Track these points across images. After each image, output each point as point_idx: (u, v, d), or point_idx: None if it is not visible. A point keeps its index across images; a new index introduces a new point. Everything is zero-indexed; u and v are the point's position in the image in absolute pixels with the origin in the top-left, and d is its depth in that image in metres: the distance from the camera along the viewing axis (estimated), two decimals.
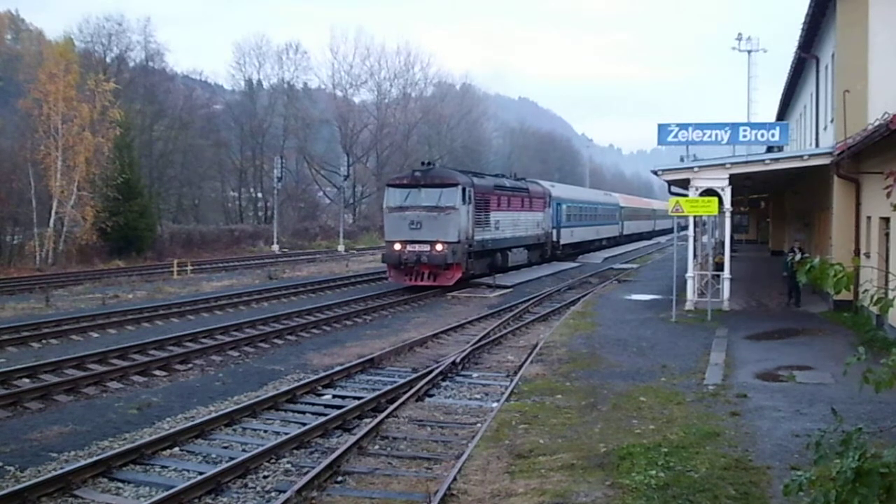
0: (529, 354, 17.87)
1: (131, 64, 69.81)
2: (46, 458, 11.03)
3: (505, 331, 22.12)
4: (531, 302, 28.51)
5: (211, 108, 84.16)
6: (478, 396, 14.92)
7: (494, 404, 13.72)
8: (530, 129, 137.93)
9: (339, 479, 10.24)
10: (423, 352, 19.41)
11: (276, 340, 20.63)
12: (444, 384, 15.75)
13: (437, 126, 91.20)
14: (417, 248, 30.83)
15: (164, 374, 16.66)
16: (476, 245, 32.87)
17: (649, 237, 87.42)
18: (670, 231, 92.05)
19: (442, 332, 21.70)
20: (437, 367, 16.50)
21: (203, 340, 20.14)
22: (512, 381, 15.19)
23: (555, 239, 47.17)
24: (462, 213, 31.28)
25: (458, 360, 17.28)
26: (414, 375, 16.02)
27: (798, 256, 23.46)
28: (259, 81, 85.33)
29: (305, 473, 10.01)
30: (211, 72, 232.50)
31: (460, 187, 31.43)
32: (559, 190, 52.03)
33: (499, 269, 36.70)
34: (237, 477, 10.21)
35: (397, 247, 31.25)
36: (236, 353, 18.93)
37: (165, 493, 9.28)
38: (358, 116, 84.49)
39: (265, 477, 10.37)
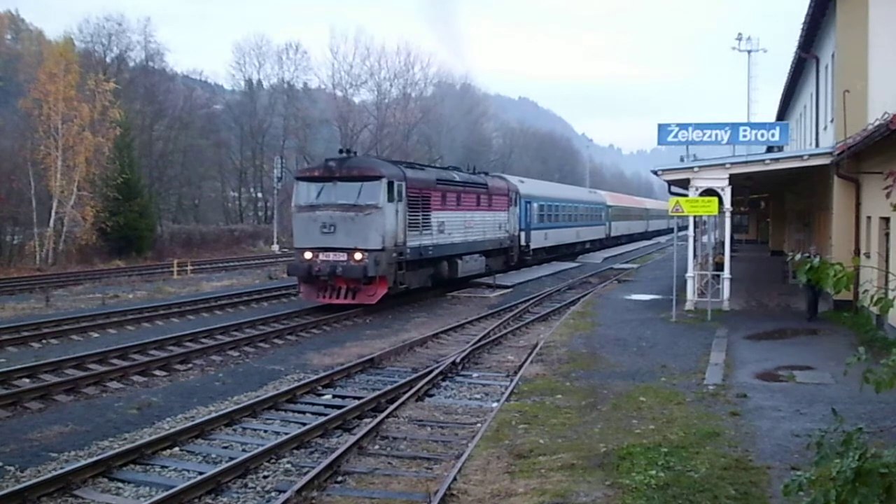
0: (529, 354, 17.87)
1: (131, 64, 69.84)
2: (46, 458, 11.03)
3: (505, 331, 22.11)
4: (531, 302, 28.51)
5: (211, 108, 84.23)
6: (478, 396, 14.92)
7: (494, 404, 13.72)
8: (530, 130, 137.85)
9: (339, 478, 10.24)
10: (423, 352, 19.41)
11: (276, 340, 20.62)
12: (444, 384, 15.75)
13: (437, 126, 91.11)
14: (332, 257, 24.87)
15: (164, 374, 16.66)
16: (410, 253, 26.73)
17: (642, 239, 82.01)
18: (665, 232, 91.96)
19: (442, 332, 21.70)
20: (437, 367, 16.50)
21: (203, 340, 20.14)
22: (512, 381, 15.18)
23: (523, 243, 40.81)
24: (388, 212, 25.22)
25: (458, 360, 17.28)
26: (414, 375, 16.03)
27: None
28: (259, 81, 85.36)
29: (305, 473, 10.01)
30: (211, 72, 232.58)
31: (384, 181, 25.21)
32: (530, 186, 45.36)
33: (445, 280, 31.08)
34: (237, 477, 10.21)
35: (307, 255, 25.22)
36: (236, 353, 18.93)
37: (165, 493, 9.28)
38: (358, 116, 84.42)
39: (265, 477, 10.37)
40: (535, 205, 43.46)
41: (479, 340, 19.99)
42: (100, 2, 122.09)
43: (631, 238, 75.84)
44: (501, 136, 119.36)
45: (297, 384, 15.32)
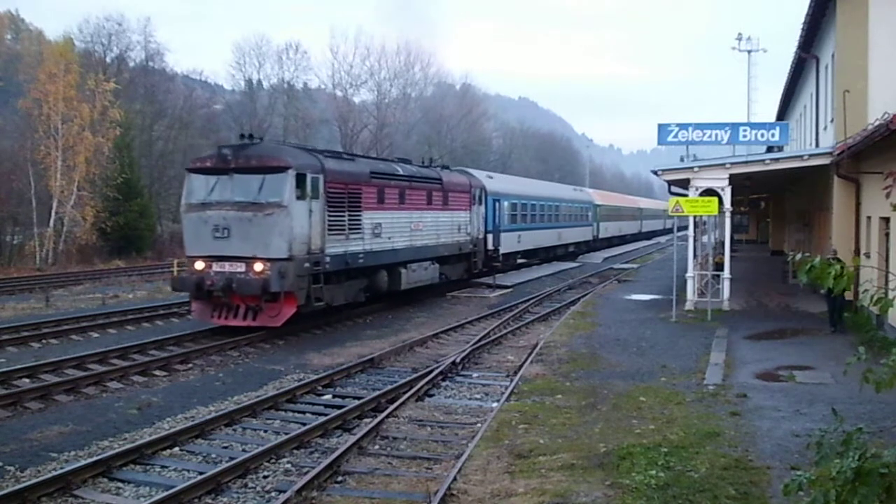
0: (529, 354, 17.87)
1: (131, 64, 69.76)
2: (46, 458, 11.02)
3: (505, 331, 22.12)
4: (531, 302, 28.51)
5: (211, 107, 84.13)
6: (478, 396, 14.93)
7: (494, 404, 13.72)
8: (530, 130, 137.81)
9: (339, 478, 10.24)
10: (423, 351, 19.42)
11: (276, 340, 20.62)
12: (444, 384, 15.75)
13: (437, 126, 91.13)
14: (227, 268, 20.24)
15: (164, 374, 16.66)
16: (331, 262, 21.92)
17: (635, 240, 76.93)
18: (662, 233, 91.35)
19: (442, 332, 21.71)
20: (437, 367, 16.50)
21: (203, 340, 20.14)
22: (512, 381, 15.19)
23: (490, 246, 35.69)
24: (297, 212, 20.44)
25: (458, 360, 17.28)
26: (414, 375, 16.03)
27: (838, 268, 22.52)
28: (259, 81, 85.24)
29: (305, 473, 10.01)
30: (211, 72, 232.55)
31: (292, 173, 20.31)
32: (499, 182, 40.03)
33: (385, 294, 26.26)
34: (237, 477, 10.21)
35: (199, 266, 20.57)
36: (236, 353, 18.92)
37: (165, 493, 9.28)
38: (358, 116, 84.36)
39: (265, 477, 10.37)
40: (505, 203, 38.59)
41: (479, 340, 20.00)
42: (100, 2, 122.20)
43: (623, 240, 71.56)
44: (501, 136, 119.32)
45: (297, 384, 15.32)
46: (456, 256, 31.60)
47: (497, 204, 36.99)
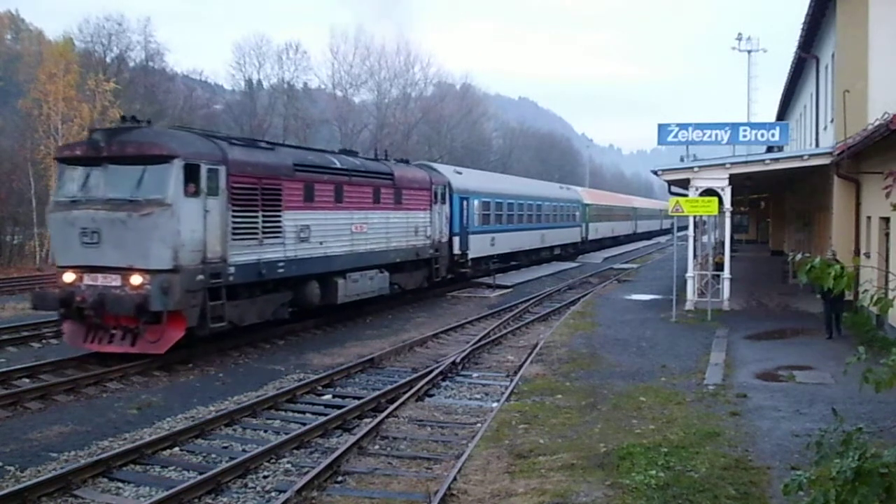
0: (529, 354, 17.87)
1: (131, 64, 69.75)
2: (46, 457, 11.02)
3: (505, 331, 22.12)
4: (531, 302, 28.51)
5: (211, 107, 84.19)
6: (478, 396, 14.93)
7: (494, 404, 13.72)
8: (530, 130, 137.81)
9: (340, 478, 10.25)
10: (423, 351, 19.42)
11: (276, 340, 20.61)
12: (444, 384, 15.76)
13: (437, 126, 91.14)
14: (101, 280, 16.70)
15: (163, 373, 16.65)
16: (238, 273, 18.19)
17: (628, 242, 73.03)
18: (657, 234, 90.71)
19: (442, 332, 21.71)
20: (437, 367, 16.51)
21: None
22: (512, 381, 15.19)
23: (457, 250, 31.89)
24: (187, 212, 16.73)
25: (458, 360, 17.29)
26: (414, 375, 16.03)
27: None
28: (259, 81, 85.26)
29: (305, 473, 10.01)
30: (211, 72, 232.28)
31: (178, 163, 16.63)
32: (468, 179, 35.47)
33: (316, 308, 22.32)
34: (237, 477, 10.21)
35: (67, 278, 17.09)
36: (236, 353, 18.91)
37: (165, 493, 9.28)
38: (358, 116, 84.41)
39: (265, 477, 10.37)
40: (475, 202, 34.48)
41: (479, 340, 20.01)
42: (100, 2, 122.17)
43: (616, 241, 67.81)
44: (501, 136, 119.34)
45: (297, 384, 15.32)
46: (413, 263, 27.80)
47: (465, 203, 33.14)
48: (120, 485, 10.12)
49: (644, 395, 13.42)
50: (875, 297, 5.06)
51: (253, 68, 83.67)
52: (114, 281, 16.63)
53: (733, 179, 24.15)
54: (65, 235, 17.08)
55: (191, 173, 16.94)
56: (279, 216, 19.79)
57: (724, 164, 23.96)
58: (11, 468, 10.54)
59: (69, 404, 14.14)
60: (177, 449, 11.57)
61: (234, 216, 18.11)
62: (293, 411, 13.91)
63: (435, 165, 33.41)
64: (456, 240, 31.75)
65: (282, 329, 21.09)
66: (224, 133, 23.30)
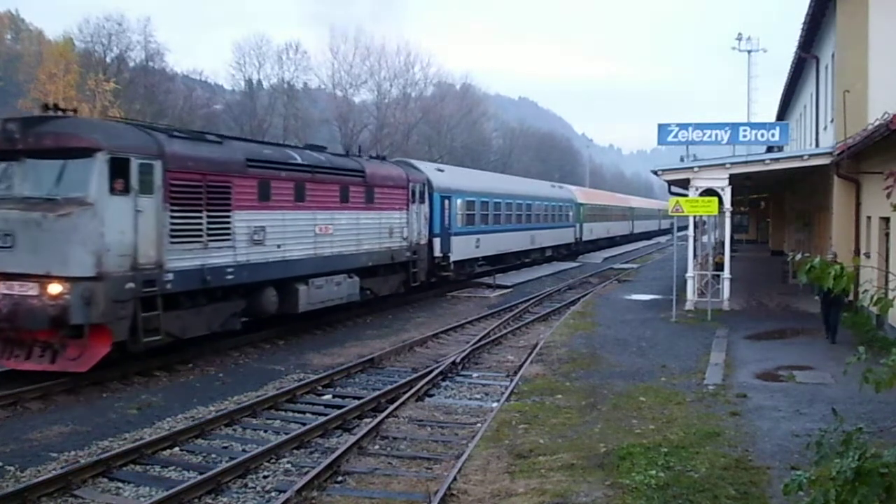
0: (529, 354, 17.88)
1: (131, 64, 69.87)
2: (47, 458, 11.02)
3: (505, 331, 22.12)
4: (531, 302, 28.51)
5: (211, 107, 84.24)
6: (478, 396, 14.93)
7: (494, 404, 13.73)
8: (530, 130, 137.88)
9: (340, 478, 10.25)
10: (424, 351, 19.42)
11: (276, 340, 20.60)
12: (444, 384, 15.76)
13: (437, 126, 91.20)
14: (16, 289, 14.55)
15: (164, 373, 16.64)
16: (177, 280, 16.38)
17: (625, 242, 71.04)
18: (656, 234, 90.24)
19: (442, 332, 21.70)
20: (437, 367, 16.51)
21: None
22: (512, 380, 15.20)
23: (438, 252, 30.00)
24: (113, 212, 14.92)
25: (458, 360, 17.29)
26: (414, 375, 16.04)
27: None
28: (259, 81, 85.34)
29: (305, 473, 10.01)
30: (211, 72, 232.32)
31: (103, 157, 14.77)
32: (451, 177, 33.58)
33: (273, 316, 20.32)
34: (237, 477, 10.22)
35: None
36: (236, 353, 18.90)
37: (165, 493, 9.28)
38: (358, 116, 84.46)
39: (265, 477, 10.37)
40: (458, 201, 32.40)
41: (479, 340, 20.01)
42: (100, 2, 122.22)
43: (612, 242, 65.71)
44: (501, 137, 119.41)
45: (297, 384, 15.32)
46: (387, 267, 25.85)
47: (447, 202, 31.08)
48: (120, 485, 10.12)
49: (644, 395, 13.42)
50: (875, 298, 5.06)
51: (253, 68, 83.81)
52: (31, 290, 14.47)
53: (733, 179, 24.15)
54: None
55: (118, 168, 15.03)
56: (228, 217, 17.94)
57: (724, 164, 23.96)
58: (11, 468, 10.54)
59: (69, 404, 14.13)
60: (177, 449, 11.57)
61: (172, 217, 16.22)
62: (293, 411, 13.91)
63: (415, 163, 31.25)
64: (437, 241, 29.89)
65: (281, 329, 21.02)
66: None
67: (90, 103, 47.96)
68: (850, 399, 12.23)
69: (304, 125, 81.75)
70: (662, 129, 25.28)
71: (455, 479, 9.53)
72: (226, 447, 11.77)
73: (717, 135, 25.10)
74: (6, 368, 15.36)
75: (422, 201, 28.22)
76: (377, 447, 11.65)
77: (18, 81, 61.34)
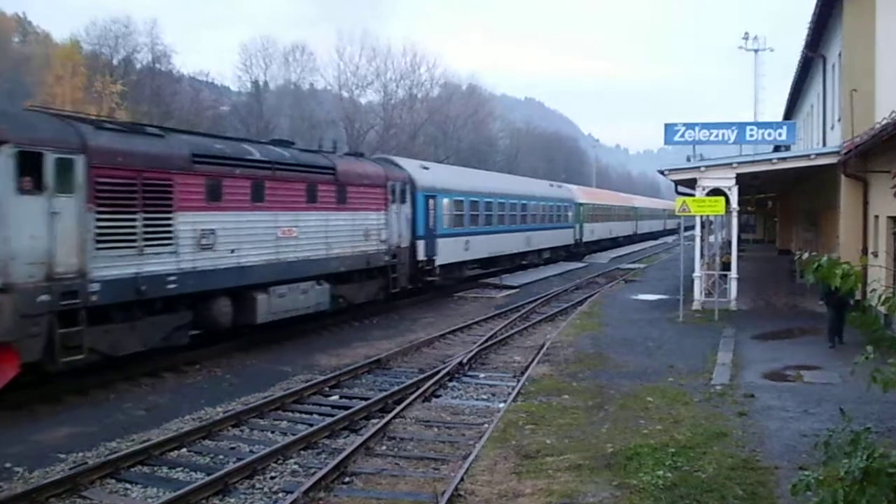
0: (536, 355, 17.86)
1: (138, 66, 70.02)
2: (55, 459, 11.05)
3: (512, 331, 22.11)
4: (538, 302, 28.48)
5: (218, 109, 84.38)
6: (485, 397, 14.93)
7: (501, 405, 13.72)
8: (536, 130, 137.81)
9: (347, 479, 10.26)
10: (430, 352, 19.42)
11: (283, 341, 20.62)
12: (450, 384, 15.76)
13: (443, 127, 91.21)
14: None
15: (171, 374, 16.67)
16: (105, 291, 14.53)
17: (628, 243, 68.82)
18: (661, 234, 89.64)
19: (449, 333, 21.70)
20: (443, 368, 16.51)
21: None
22: (519, 381, 15.19)
23: (422, 256, 27.89)
24: (22, 214, 13.12)
25: (464, 361, 17.28)
26: (421, 376, 16.04)
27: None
28: (265, 83, 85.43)
29: (313, 474, 10.02)
30: (217, 73, 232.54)
31: (9, 150, 12.97)
32: (436, 175, 31.35)
33: (225, 330, 18.51)
34: (245, 478, 10.23)
35: None
36: (244, 354, 18.91)
37: (173, 494, 9.31)
38: (364, 117, 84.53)
39: (272, 478, 10.39)
40: (445, 201, 30.28)
41: (486, 341, 19.99)
42: (106, 4, 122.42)
43: (615, 243, 63.66)
44: (508, 137, 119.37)
45: (304, 385, 15.34)
46: (364, 272, 23.90)
47: (432, 202, 29.02)
48: (128, 486, 10.16)
49: (651, 395, 13.41)
50: (883, 297, 5.05)
51: (259, 70, 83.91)
52: None
53: (740, 179, 24.11)
54: None
55: (28, 164, 13.18)
56: (169, 219, 16.15)
57: (730, 164, 23.92)
58: (20, 469, 10.58)
59: (77, 405, 14.17)
60: (184, 450, 11.60)
61: (99, 219, 14.42)
62: (300, 412, 13.93)
63: (396, 160, 29.25)
64: (420, 244, 27.71)
65: (291, 330, 21.01)
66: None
67: (97, 105, 48.11)
68: (858, 399, 12.18)
69: (310, 126, 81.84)
70: (669, 129, 25.29)
71: (462, 479, 9.54)
72: (233, 448, 11.79)
73: (723, 134, 25.11)
74: None
75: (403, 201, 26.26)
76: (384, 448, 11.65)
77: (26, 84, 61.54)
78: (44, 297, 13.33)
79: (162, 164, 16.10)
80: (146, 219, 15.55)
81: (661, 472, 9.23)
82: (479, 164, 73.38)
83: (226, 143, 19.23)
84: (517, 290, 33.23)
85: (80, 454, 11.29)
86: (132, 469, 10.67)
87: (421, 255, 27.81)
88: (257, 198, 18.85)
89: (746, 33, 64.13)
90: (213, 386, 15.83)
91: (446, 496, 8.95)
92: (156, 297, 15.93)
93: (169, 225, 16.14)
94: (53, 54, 54.27)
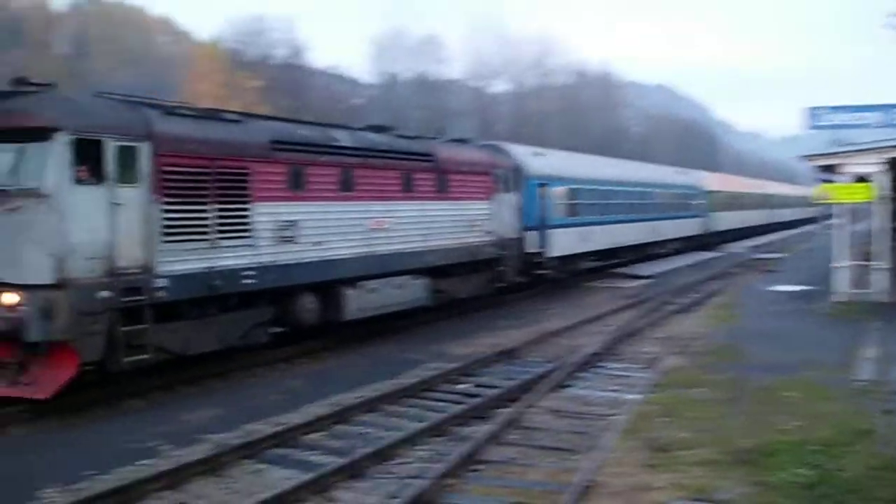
0: (669, 346, 17.52)
1: (276, 62, 72.26)
2: (199, 439, 11.56)
3: (643, 322, 21.73)
4: (671, 292, 27.90)
5: (351, 102, 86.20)
6: (616, 388, 14.74)
7: (633, 396, 13.52)
8: (668, 116, 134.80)
9: (476, 467, 10.32)
10: (560, 342, 19.30)
11: (414, 329, 20.90)
12: (581, 375, 15.63)
13: (574, 115, 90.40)
14: None
15: (306, 359, 17.17)
16: (175, 286, 13.69)
17: (765, 233, 64.87)
18: (800, 223, 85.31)
19: (578, 323, 21.51)
20: (574, 358, 16.39)
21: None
22: (651, 373, 14.95)
23: (533, 248, 26.46)
24: (81, 205, 12.33)
25: (595, 351, 17.12)
26: (550, 366, 15.97)
27: None
28: (397, 75, 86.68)
29: (443, 461, 10.14)
30: (350, 66, 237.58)
31: (63, 138, 12.16)
32: (549, 162, 29.42)
33: (313, 326, 17.51)
34: (377, 462, 10.44)
35: None
36: (376, 341, 19.27)
37: (308, 476, 9.60)
38: (495, 107, 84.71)
39: (404, 463, 10.56)
40: (558, 189, 28.62)
41: (617, 331, 19.74)
42: (246, 4, 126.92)
43: (748, 231, 59.93)
44: (639, 124, 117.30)
45: (434, 373, 15.53)
46: (467, 266, 22.67)
47: (544, 190, 27.39)
48: (266, 466, 10.52)
49: (789, 389, 12.92)
50: None
51: (391, 62, 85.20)
52: None
53: (893, 164, 22.81)
54: None
55: (85, 152, 12.40)
56: (246, 210, 15.21)
57: (880, 148, 22.72)
58: (166, 447, 11.12)
59: (220, 388, 14.81)
60: (319, 433, 11.92)
61: (166, 210, 13.53)
62: (431, 399, 14.10)
63: (504, 146, 27.36)
64: (531, 235, 26.21)
65: (420, 318, 21.23)
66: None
67: (238, 101, 49.88)
68: None
69: (440, 117, 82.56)
70: (811, 113, 24.21)
71: (593, 470, 9.45)
72: (366, 433, 12.04)
73: (870, 118, 23.85)
74: None
75: (510, 189, 24.70)
76: (514, 437, 11.67)
77: (170, 82, 64.44)
78: (104, 294, 12.53)
79: (238, 151, 15.15)
80: (220, 210, 14.61)
81: (800, 470, 8.89)
82: (610, 153, 72.30)
83: (311, 129, 18.11)
84: (649, 279, 32.63)
85: (222, 435, 11.74)
86: (269, 451, 11.03)
87: (532, 247, 26.37)
88: (346, 187, 17.80)
89: (894, 12, 60.73)
90: (345, 372, 16.20)
91: (577, 487, 8.89)
92: (231, 292, 15.02)
93: (245, 216, 15.21)
94: (195, 53, 56.61)
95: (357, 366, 16.77)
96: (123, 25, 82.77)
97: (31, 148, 12.24)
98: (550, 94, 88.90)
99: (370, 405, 13.29)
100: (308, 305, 16.97)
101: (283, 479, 9.97)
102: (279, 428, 11.76)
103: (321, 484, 9.56)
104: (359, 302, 18.14)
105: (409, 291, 20.01)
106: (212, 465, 10.22)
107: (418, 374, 15.65)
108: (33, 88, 12.85)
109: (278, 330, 17.22)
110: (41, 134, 12.09)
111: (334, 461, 10.39)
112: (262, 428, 12.00)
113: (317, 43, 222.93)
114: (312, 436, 11.80)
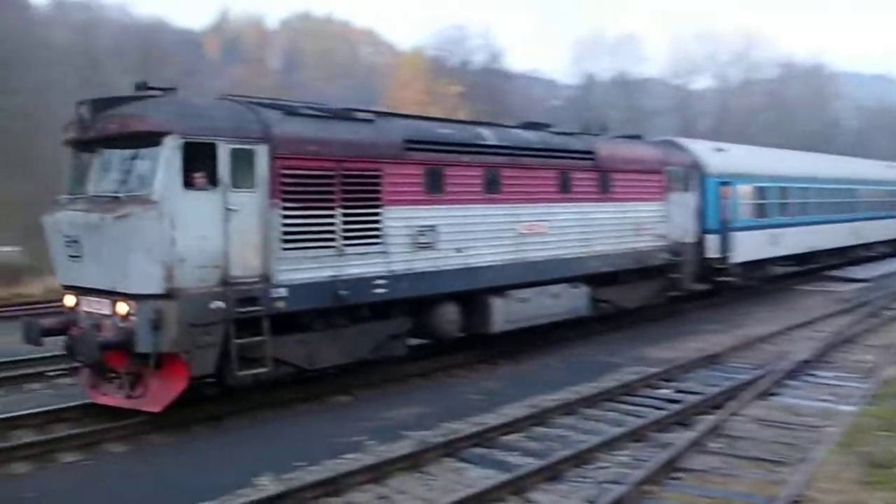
0: (889, 355, 16.40)
1: (475, 68, 73.46)
2: (400, 435, 11.89)
3: (860, 328, 20.43)
4: (890, 297, 26.04)
5: (549, 103, 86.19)
6: (828, 398, 13.94)
7: (847, 407, 12.76)
8: (887, 107, 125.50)
9: (677, 475, 10.08)
10: (767, 348, 18.48)
11: (613, 332, 20.65)
12: (790, 383, 14.90)
13: (781, 110, 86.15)
14: (95, 307, 12.40)
15: (506, 361, 17.34)
16: (296, 296, 12.94)
17: None
18: None
19: (787, 329, 20.52)
20: (782, 365, 15.66)
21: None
22: (868, 383, 14.05)
23: (712, 253, 23.91)
24: (192, 211, 11.77)
25: (806, 359, 16.27)
26: (757, 373, 15.33)
27: None
28: (595, 75, 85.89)
29: (642, 467, 9.97)
30: (548, 68, 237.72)
31: (172, 143, 11.66)
32: (731, 158, 26.23)
33: (455, 337, 16.49)
34: (574, 466, 10.40)
35: (68, 301, 12.88)
36: (575, 344, 19.19)
37: (506, 477, 9.70)
38: (696, 105, 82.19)
39: (602, 468, 10.46)
40: (743, 188, 25.93)
41: (830, 337, 18.67)
42: (445, 11, 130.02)
43: None
44: (854, 117, 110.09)
45: (634, 377, 15.28)
46: (635, 272, 20.93)
47: (726, 189, 24.84)
48: (464, 465, 10.71)
49: None
50: None
51: (589, 62, 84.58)
52: (105, 308, 12.18)
53: None
54: (54, 245, 12.92)
55: (196, 156, 11.88)
56: (377, 214, 14.20)
57: None
58: (371, 442, 11.56)
59: (422, 388, 15.25)
60: (517, 435, 12.01)
61: (286, 216, 12.79)
62: (630, 404, 13.87)
63: (681, 141, 25.33)
64: (710, 239, 23.87)
65: (618, 322, 20.94)
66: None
67: (440, 107, 50.90)
68: None
69: (641, 116, 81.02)
70: None
71: (802, 484, 9.00)
72: (564, 436, 12.01)
73: None
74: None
75: (686, 189, 22.82)
76: (717, 445, 11.29)
77: (374, 91, 66.99)
78: (217, 304, 11.98)
79: (366, 151, 14.12)
80: (346, 215, 13.69)
81: None
82: (820, 149, 68.34)
83: (450, 127, 16.81)
84: (867, 283, 30.58)
85: (423, 433, 12.02)
86: (468, 450, 11.22)
87: (712, 252, 23.95)
88: (491, 189, 16.54)
89: None
90: (544, 374, 16.23)
91: (784, 501, 8.50)
92: (360, 303, 14.12)
93: (376, 221, 14.20)
94: (398, 62, 58.48)
95: (556, 368, 16.78)
96: (331, 39, 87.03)
97: (142, 153, 11.98)
98: (755, 90, 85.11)
99: (568, 408, 13.26)
100: (450, 316, 15.91)
101: (481, 478, 10.13)
102: (478, 428, 11.94)
103: (519, 485, 9.63)
104: (508, 312, 16.92)
105: (566, 301, 18.56)
106: (413, 462, 10.53)
107: (617, 378, 15.45)
108: (153, 93, 12.57)
109: (421, 342, 16.62)
110: (151, 138, 11.75)
111: (532, 462, 10.45)
112: (461, 427, 12.22)
113: (516, 48, 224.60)
114: (510, 436, 11.90)
